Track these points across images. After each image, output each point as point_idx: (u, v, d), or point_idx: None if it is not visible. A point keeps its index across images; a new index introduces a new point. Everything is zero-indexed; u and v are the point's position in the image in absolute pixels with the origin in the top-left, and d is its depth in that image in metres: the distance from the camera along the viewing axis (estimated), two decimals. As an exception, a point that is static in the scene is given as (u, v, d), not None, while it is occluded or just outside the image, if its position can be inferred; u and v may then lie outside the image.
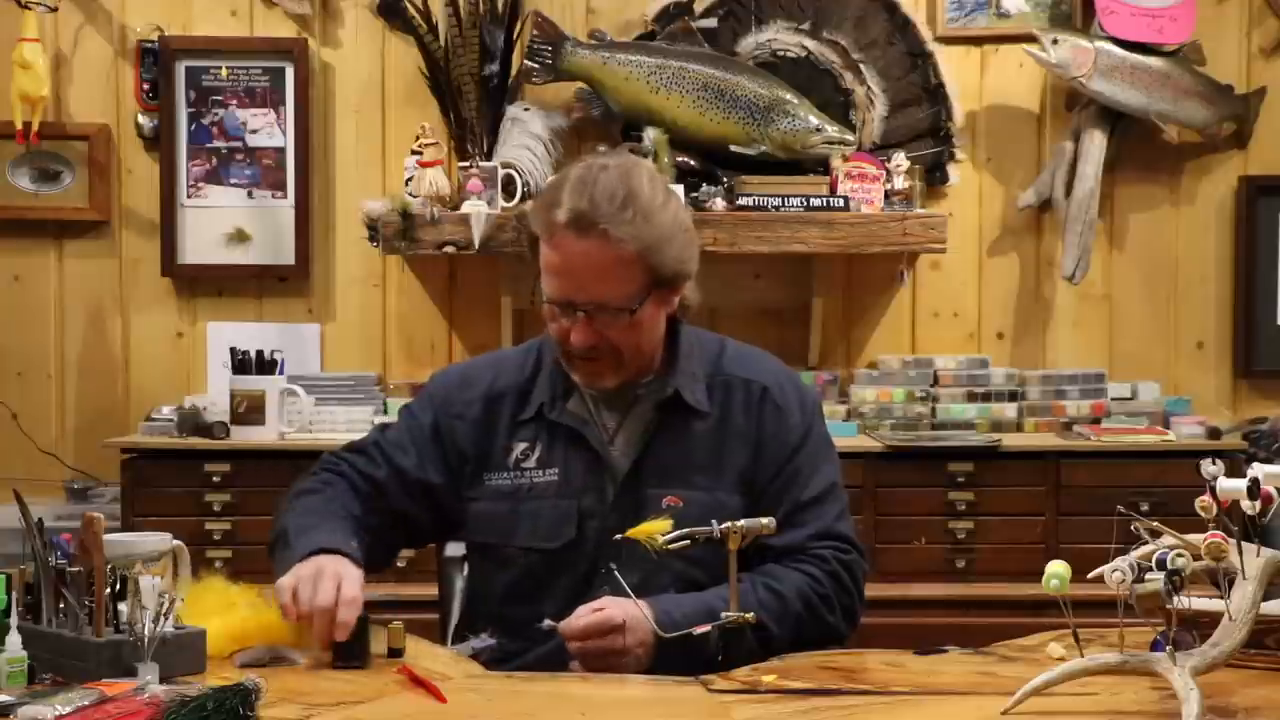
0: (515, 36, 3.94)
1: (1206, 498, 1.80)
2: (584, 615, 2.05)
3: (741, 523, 2.03)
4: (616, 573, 2.07)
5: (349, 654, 1.95)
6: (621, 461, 2.23)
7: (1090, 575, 1.76)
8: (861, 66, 4.01)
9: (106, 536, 1.90)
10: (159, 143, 4.07)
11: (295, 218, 4.08)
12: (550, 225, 2.14)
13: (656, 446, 2.23)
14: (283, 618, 2.01)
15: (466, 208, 3.70)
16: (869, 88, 4.02)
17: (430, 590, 2.64)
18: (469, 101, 3.89)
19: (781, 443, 2.24)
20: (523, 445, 2.26)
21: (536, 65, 3.90)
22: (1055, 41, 3.88)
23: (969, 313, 4.15)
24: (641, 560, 2.10)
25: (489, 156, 3.85)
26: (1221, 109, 4.05)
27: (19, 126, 3.88)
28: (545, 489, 2.23)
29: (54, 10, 3.96)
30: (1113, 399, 3.96)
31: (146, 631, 1.79)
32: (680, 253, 2.18)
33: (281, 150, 4.09)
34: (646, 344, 2.22)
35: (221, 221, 4.09)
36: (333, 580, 2.00)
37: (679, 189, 3.74)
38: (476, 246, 3.67)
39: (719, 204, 3.77)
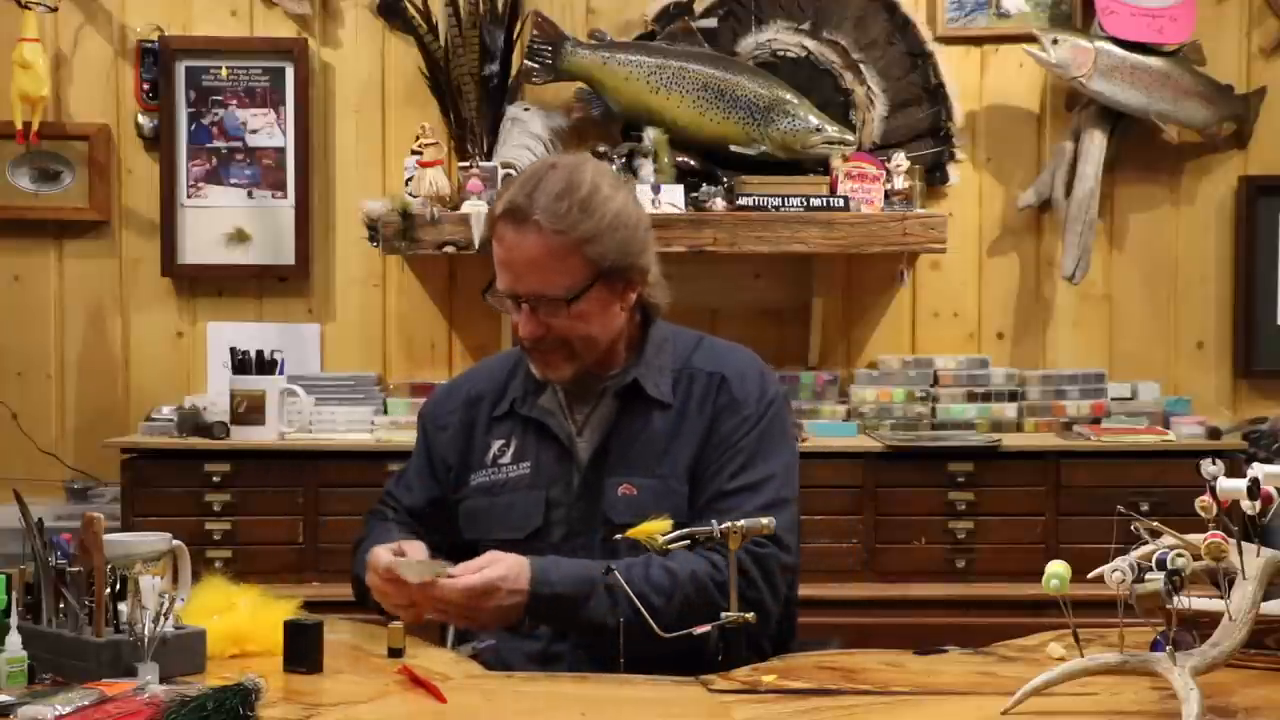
0: (515, 36, 3.94)
1: (1206, 498, 1.80)
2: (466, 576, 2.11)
3: (742, 523, 2.04)
4: (617, 573, 2.08)
5: (298, 656, 1.94)
6: (585, 452, 2.28)
7: (1090, 575, 1.76)
8: (861, 66, 4.01)
9: (106, 536, 1.90)
10: (159, 143, 4.07)
11: (295, 218, 4.08)
12: (492, 218, 2.24)
13: (616, 436, 2.27)
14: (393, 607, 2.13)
15: (466, 208, 3.70)
16: (869, 88, 4.01)
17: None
18: (469, 101, 3.89)
19: (729, 431, 2.27)
20: (499, 442, 2.34)
21: (536, 65, 3.90)
22: (1055, 41, 3.88)
23: (969, 313, 4.15)
24: (607, 551, 2.16)
25: (489, 156, 3.85)
26: (1221, 109, 4.05)
27: (19, 126, 3.88)
28: (519, 482, 2.30)
29: (54, 10, 3.95)
30: (1113, 399, 3.96)
31: (146, 631, 1.79)
32: (624, 246, 2.22)
33: (281, 150, 4.09)
34: (599, 335, 2.25)
35: (221, 221, 4.09)
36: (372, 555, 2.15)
37: (678, 189, 3.75)
38: (476, 246, 3.67)
39: (719, 204, 3.77)
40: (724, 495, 2.22)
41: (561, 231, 2.17)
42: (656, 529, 2.05)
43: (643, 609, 2.05)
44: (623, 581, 2.07)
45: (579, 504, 2.25)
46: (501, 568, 2.11)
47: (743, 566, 2.15)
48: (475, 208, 3.68)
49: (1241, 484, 1.77)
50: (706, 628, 2.03)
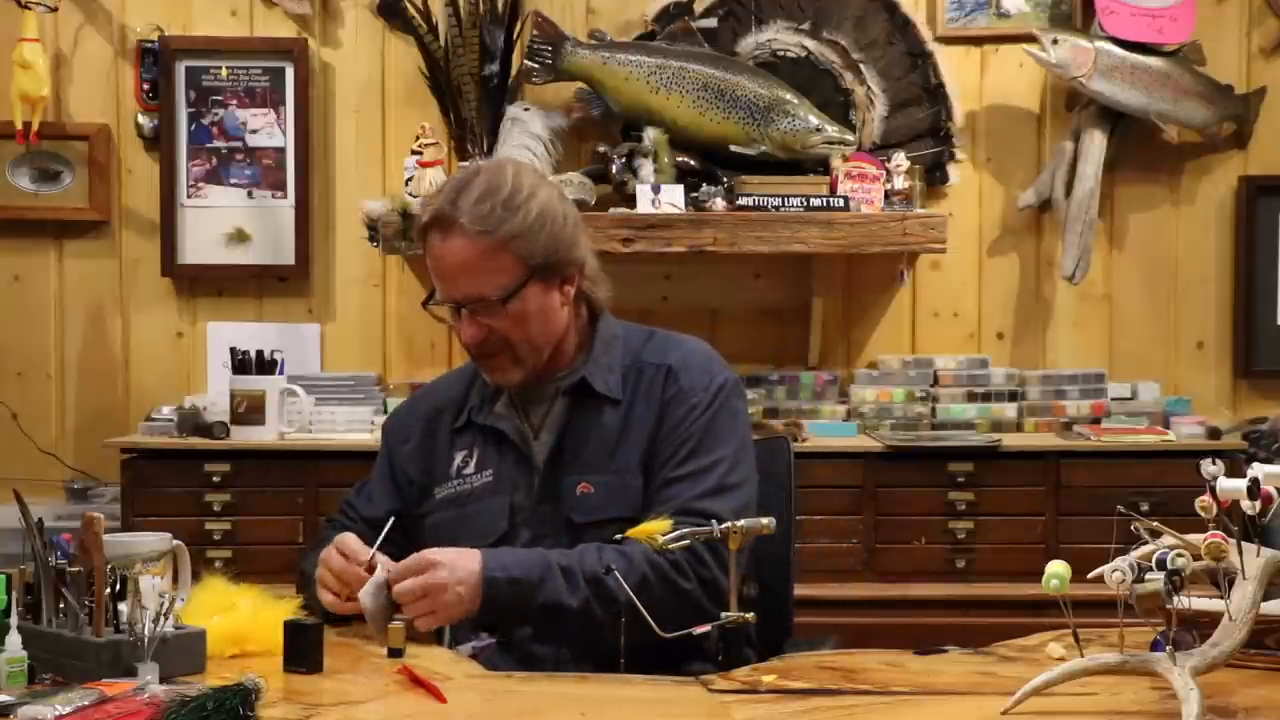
0: (515, 36, 3.94)
1: (1206, 498, 1.80)
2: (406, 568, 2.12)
3: (742, 523, 2.04)
4: (616, 573, 2.08)
5: (298, 656, 1.94)
6: (542, 453, 2.29)
7: (1090, 575, 1.76)
8: (861, 66, 4.01)
9: (106, 536, 1.90)
10: (159, 143, 4.08)
11: (295, 218, 4.08)
12: (419, 230, 2.26)
13: (570, 436, 2.28)
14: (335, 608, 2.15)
15: (466, 208, 3.69)
16: (869, 88, 4.01)
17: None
18: (469, 101, 3.89)
19: (677, 420, 2.27)
20: (463, 453, 2.35)
21: (536, 65, 3.90)
22: (1055, 41, 3.88)
23: (969, 313, 4.15)
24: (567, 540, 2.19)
25: (489, 156, 3.85)
26: (1221, 109, 4.05)
27: (19, 126, 3.89)
28: (484, 490, 2.31)
29: (54, 10, 3.96)
30: (1113, 399, 3.96)
31: (146, 631, 1.79)
32: (552, 241, 2.23)
33: (281, 150, 4.09)
34: (539, 335, 2.26)
35: (221, 221, 4.09)
36: (328, 554, 2.18)
37: (678, 189, 3.75)
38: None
39: (719, 204, 3.77)
40: (669, 483, 2.23)
41: (486, 232, 2.19)
42: (656, 529, 2.05)
43: (598, 593, 2.09)
44: (620, 578, 2.07)
45: (541, 506, 2.26)
46: (437, 551, 2.11)
47: (691, 548, 2.12)
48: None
49: (1241, 484, 1.76)
50: (706, 628, 2.03)
